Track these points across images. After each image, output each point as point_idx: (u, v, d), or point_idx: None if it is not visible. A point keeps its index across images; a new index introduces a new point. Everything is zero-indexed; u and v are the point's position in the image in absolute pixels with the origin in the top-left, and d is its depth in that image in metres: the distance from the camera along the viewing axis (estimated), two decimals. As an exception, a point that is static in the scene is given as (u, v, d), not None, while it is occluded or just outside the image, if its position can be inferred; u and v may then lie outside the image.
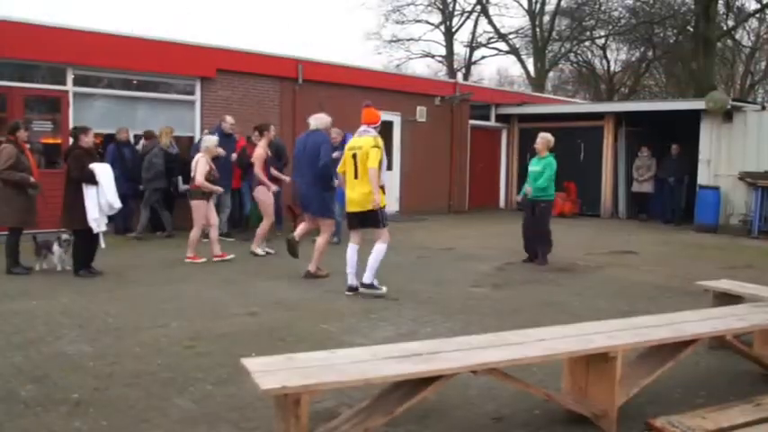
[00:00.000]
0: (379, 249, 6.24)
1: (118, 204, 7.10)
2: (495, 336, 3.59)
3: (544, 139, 8.48)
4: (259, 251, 8.64)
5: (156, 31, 15.98)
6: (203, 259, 8.10)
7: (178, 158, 10.68)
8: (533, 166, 8.55)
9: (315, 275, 7.08)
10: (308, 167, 7.03)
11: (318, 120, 7.21)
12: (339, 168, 6.57)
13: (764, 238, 11.90)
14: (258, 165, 8.65)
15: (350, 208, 6.34)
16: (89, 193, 6.82)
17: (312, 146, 6.99)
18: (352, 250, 6.36)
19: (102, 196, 6.89)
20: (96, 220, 6.87)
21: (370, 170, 6.05)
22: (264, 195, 8.72)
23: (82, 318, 5.34)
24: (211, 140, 8.43)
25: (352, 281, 6.38)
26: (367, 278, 6.30)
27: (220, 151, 9.05)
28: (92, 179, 6.83)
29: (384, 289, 6.37)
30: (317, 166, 6.96)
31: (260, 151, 8.70)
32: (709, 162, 13.13)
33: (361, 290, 6.30)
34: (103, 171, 6.98)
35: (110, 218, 10.30)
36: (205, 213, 8.15)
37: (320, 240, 7.06)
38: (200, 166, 8.00)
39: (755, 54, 31.85)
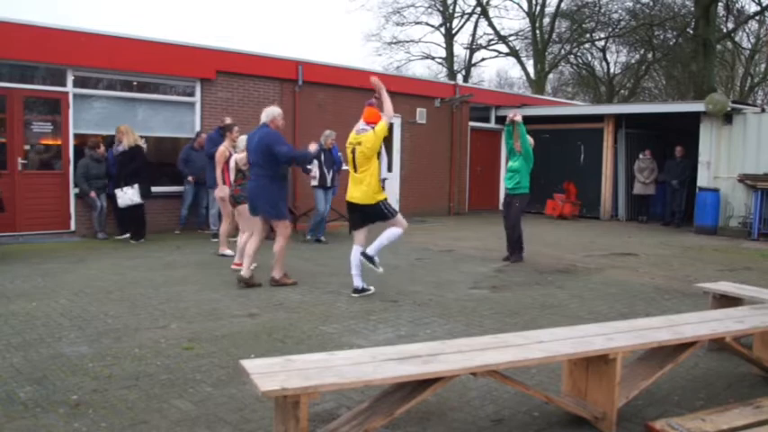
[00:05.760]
0: (393, 231, 6.19)
1: None
2: (495, 338, 3.59)
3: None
4: (228, 252, 8.50)
5: (156, 33, 16.00)
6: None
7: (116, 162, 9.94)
8: (512, 161, 8.92)
9: (280, 283, 6.76)
10: (254, 165, 6.68)
11: (265, 113, 6.76)
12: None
13: (764, 240, 11.92)
14: (220, 162, 8.33)
15: (351, 201, 6.25)
16: None
17: (257, 142, 6.60)
18: (355, 251, 6.34)
19: None
20: None
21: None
22: (223, 193, 8.34)
23: (81, 319, 5.33)
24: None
25: (357, 283, 6.38)
26: (371, 250, 6.21)
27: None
28: None
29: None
30: (262, 163, 6.56)
31: (221, 149, 8.43)
32: (708, 164, 13.14)
33: (360, 257, 6.21)
34: None
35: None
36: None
37: (276, 245, 6.74)
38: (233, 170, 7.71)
39: (755, 56, 31.93)
